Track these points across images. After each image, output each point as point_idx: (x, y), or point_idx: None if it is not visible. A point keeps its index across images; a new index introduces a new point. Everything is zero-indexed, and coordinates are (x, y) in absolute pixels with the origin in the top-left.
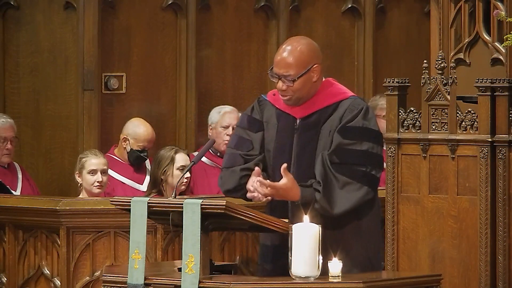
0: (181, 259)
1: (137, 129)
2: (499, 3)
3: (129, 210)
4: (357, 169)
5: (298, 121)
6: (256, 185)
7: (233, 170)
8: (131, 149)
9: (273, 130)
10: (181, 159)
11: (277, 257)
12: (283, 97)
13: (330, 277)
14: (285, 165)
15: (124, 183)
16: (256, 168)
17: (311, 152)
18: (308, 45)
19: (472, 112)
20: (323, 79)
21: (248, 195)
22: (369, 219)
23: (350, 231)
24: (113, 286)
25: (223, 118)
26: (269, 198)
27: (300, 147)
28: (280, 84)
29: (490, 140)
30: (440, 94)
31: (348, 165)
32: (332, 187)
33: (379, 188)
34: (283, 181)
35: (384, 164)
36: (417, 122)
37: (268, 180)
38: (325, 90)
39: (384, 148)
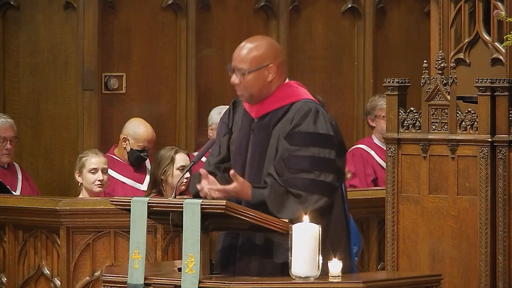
0: (181, 259)
1: (137, 129)
2: (499, 3)
3: (129, 210)
4: (304, 177)
5: (254, 121)
6: (206, 190)
7: (195, 175)
8: (131, 149)
9: (237, 131)
10: (181, 159)
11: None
12: (237, 92)
13: (330, 277)
14: (232, 170)
15: (124, 183)
16: (202, 171)
17: (261, 153)
18: (267, 44)
19: (472, 112)
20: (286, 81)
21: (201, 194)
22: (334, 224)
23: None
24: (113, 286)
25: None
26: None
27: (253, 147)
28: (233, 77)
29: (490, 140)
30: (440, 94)
31: (296, 173)
32: (283, 197)
33: (379, 188)
34: (233, 184)
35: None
36: (417, 122)
37: (217, 184)
38: (281, 91)
39: (384, 147)
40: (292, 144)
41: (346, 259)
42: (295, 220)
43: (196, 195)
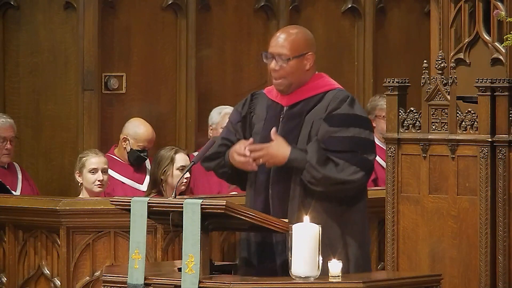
0: (181, 259)
1: (137, 129)
2: (499, 3)
3: (129, 210)
4: (348, 154)
5: (284, 110)
6: (245, 150)
7: (214, 139)
8: (131, 149)
9: (262, 121)
10: (181, 159)
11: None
12: (275, 80)
13: (330, 277)
14: (274, 129)
15: (124, 183)
16: (250, 140)
17: (293, 141)
18: (305, 33)
19: (472, 112)
20: (316, 72)
21: (237, 157)
22: (360, 209)
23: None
24: (113, 286)
25: (224, 119)
26: (255, 166)
27: (284, 135)
28: (273, 63)
29: (490, 140)
30: (440, 94)
31: (338, 152)
32: (326, 163)
33: (379, 188)
34: (273, 142)
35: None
36: (417, 122)
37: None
38: (314, 81)
39: (384, 147)
40: (332, 125)
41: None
42: (330, 179)
43: (208, 158)
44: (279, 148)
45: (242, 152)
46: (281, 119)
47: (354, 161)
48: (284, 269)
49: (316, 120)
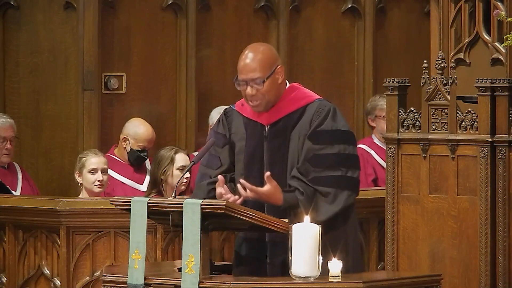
0: (181, 259)
1: (137, 129)
2: (499, 3)
3: (129, 210)
4: (332, 175)
5: (267, 128)
6: (225, 190)
7: (201, 186)
8: (131, 149)
9: (242, 140)
10: (181, 159)
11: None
12: (252, 103)
13: (330, 277)
14: (268, 173)
15: (124, 183)
16: (220, 177)
17: (282, 158)
18: (268, 48)
19: (472, 112)
20: (288, 84)
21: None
22: (351, 222)
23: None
24: (113, 286)
25: None
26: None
27: (271, 154)
28: (248, 89)
29: (490, 140)
30: (440, 94)
31: (323, 171)
32: (314, 198)
33: (379, 188)
34: (267, 187)
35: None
36: (417, 122)
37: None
38: (290, 95)
39: (384, 147)
40: (316, 143)
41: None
42: (328, 221)
43: None
44: (270, 198)
45: (223, 192)
46: (265, 138)
47: (343, 184)
48: (273, 268)
49: (302, 135)
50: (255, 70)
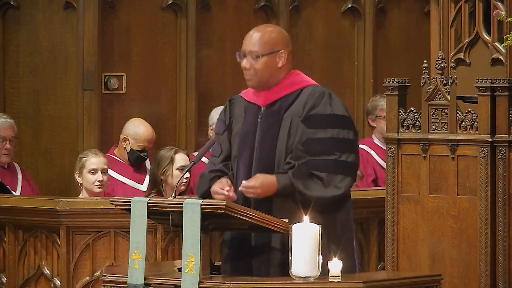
0: (181, 259)
1: (137, 129)
2: (499, 3)
3: (129, 210)
4: (326, 159)
5: (262, 109)
6: (226, 190)
7: (203, 175)
8: (131, 149)
9: (240, 123)
10: (180, 159)
11: (237, 258)
12: (246, 77)
13: (330, 277)
14: (244, 182)
15: (124, 183)
16: (226, 180)
17: (272, 138)
18: (278, 31)
19: (472, 112)
20: (291, 70)
21: (217, 197)
22: (345, 211)
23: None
24: (113, 286)
25: None
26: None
27: (262, 134)
28: (244, 61)
29: (490, 140)
30: (440, 94)
31: (316, 155)
32: (311, 183)
33: (379, 188)
34: (253, 179)
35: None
36: (417, 122)
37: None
38: (289, 79)
39: (384, 148)
40: (310, 127)
41: (350, 254)
42: (322, 199)
43: (204, 196)
44: (263, 184)
45: (220, 192)
46: (259, 118)
47: (337, 169)
48: (259, 268)
49: (295, 117)
50: (254, 44)
